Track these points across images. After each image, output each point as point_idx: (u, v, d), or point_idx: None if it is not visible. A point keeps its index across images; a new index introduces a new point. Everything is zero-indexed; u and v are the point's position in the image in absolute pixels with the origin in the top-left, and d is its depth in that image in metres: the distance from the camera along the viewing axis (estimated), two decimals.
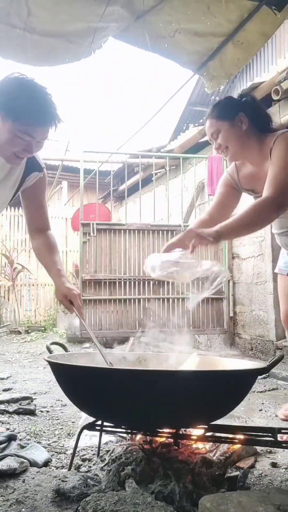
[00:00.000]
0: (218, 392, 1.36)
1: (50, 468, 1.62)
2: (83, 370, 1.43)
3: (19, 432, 2.04)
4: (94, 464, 1.62)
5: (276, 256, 2.59)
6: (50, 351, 1.69)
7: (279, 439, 1.40)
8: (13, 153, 1.47)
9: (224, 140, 1.84)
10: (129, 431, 1.61)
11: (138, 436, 1.62)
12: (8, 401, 2.54)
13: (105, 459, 1.58)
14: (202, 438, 1.46)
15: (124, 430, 1.60)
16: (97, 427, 1.60)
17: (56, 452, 1.82)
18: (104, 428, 1.60)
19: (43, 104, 1.42)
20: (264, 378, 3.43)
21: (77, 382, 1.43)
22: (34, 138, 1.46)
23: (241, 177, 2.01)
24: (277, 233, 2.14)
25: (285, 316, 2.35)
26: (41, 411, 2.48)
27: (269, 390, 3.11)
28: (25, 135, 1.43)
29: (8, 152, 1.47)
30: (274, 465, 1.65)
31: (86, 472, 1.54)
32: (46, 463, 1.66)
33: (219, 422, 1.54)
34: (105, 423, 1.61)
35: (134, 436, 1.65)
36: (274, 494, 1.16)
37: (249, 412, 2.53)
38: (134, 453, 1.48)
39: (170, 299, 4.62)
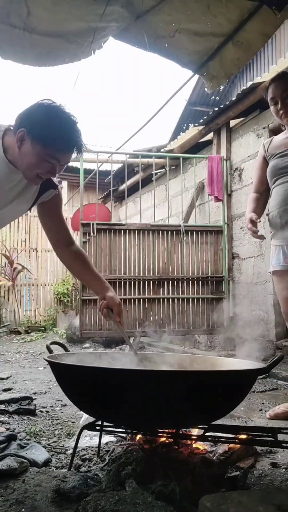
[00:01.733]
0: (218, 392, 1.36)
1: (50, 468, 1.62)
2: (83, 370, 1.43)
3: (19, 432, 2.04)
4: (94, 464, 1.62)
5: None
6: (50, 351, 1.69)
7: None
8: (36, 174, 1.55)
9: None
10: (129, 431, 1.61)
11: (138, 436, 1.62)
12: (8, 401, 2.53)
13: (105, 459, 1.58)
14: (202, 438, 1.46)
15: (124, 430, 1.60)
16: (97, 427, 1.60)
17: (56, 452, 1.82)
18: (104, 428, 1.60)
19: (72, 132, 1.52)
20: (264, 378, 3.43)
21: (77, 382, 1.43)
22: (59, 162, 1.55)
23: (271, 147, 2.41)
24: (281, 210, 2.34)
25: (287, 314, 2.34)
26: (41, 411, 2.48)
27: (269, 390, 3.11)
28: (53, 159, 1.52)
29: (32, 173, 1.55)
30: (274, 465, 1.65)
31: (86, 472, 1.53)
32: (46, 463, 1.65)
33: (219, 422, 1.54)
34: (105, 423, 1.61)
35: (134, 436, 1.65)
36: (274, 494, 1.16)
37: (249, 412, 2.53)
38: (134, 453, 1.48)
39: (170, 299, 4.62)
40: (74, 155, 1.57)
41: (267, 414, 2.40)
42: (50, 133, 1.48)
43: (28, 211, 1.95)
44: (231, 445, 1.57)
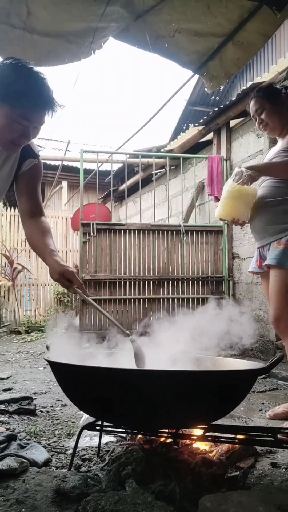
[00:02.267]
0: (218, 392, 1.36)
1: (50, 468, 1.62)
2: (83, 370, 1.43)
3: (19, 432, 2.04)
4: (94, 464, 1.62)
5: None
6: (50, 351, 1.69)
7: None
8: (10, 141, 1.48)
9: (266, 116, 2.24)
10: (129, 431, 1.61)
11: (138, 436, 1.62)
12: (8, 401, 2.53)
13: (105, 459, 1.58)
14: (202, 438, 1.46)
15: (124, 430, 1.60)
16: (97, 427, 1.60)
17: (56, 452, 1.82)
18: (104, 428, 1.60)
19: (40, 88, 1.43)
20: (264, 378, 3.43)
21: (77, 382, 1.43)
22: (31, 123, 1.46)
23: (267, 158, 2.42)
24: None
25: (273, 318, 2.32)
26: (41, 411, 2.48)
27: (269, 390, 3.11)
28: (23, 119, 1.43)
29: (5, 139, 1.47)
30: (274, 465, 1.65)
31: (86, 472, 1.53)
32: (46, 463, 1.65)
33: (219, 422, 1.54)
34: (105, 423, 1.61)
35: (134, 436, 1.65)
36: (274, 494, 1.16)
37: (249, 412, 2.53)
38: (134, 453, 1.48)
39: (170, 299, 4.62)
40: (47, 114, 1.47)
41: (267, 414, 2.40)
42: (15, 91, 1.39)
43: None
44: (231, 445, 1.57)
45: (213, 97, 10.28)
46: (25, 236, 1.85)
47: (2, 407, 2.44)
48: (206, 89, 2.89)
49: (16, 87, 1.40)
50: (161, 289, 4.64)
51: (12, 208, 8.48)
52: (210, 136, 5.28)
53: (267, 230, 2.29)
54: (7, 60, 1.45)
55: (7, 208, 8.39)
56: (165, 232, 4.70)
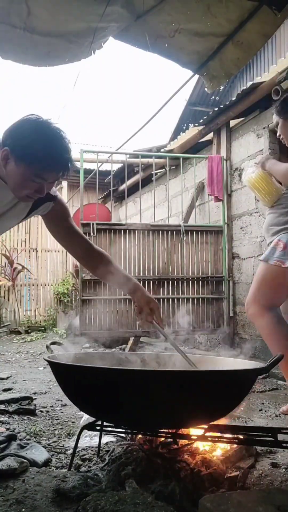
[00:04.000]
0: (218, 392, 1.36)
1: (50, 468, 1.62)
2: (83, 370, 1.43)
3: (19, 432, 2.04)
4: (94, 464, 1.62)
5: None
6: (50, 351, 1.69)
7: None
8: (25, 195, 1.49)
9: (280, 131, 2.40)
10: (129, 431, 1.61)
11: (138, 436, 1.62)
12: (8, 401, 2.53)
13: (105, 459, 1.58)
14: (202, 438, 1.46)
15: (124, 430, 1.60)
16: (97, 427, 1.60)
17: (56, 452, 1.82)
18: (104, 428, 1.60)
19: (58, 150, 1.43)
20: (264, 378, 3.43)
21: (77, 382, 1.43)
22: (46, 181, 1.47)
23: None
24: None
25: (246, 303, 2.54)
26: (41, 411, 2.48)
27: (269, 390, 3.11)
28: (38, 178, 1.44)
29: (20, 193, 1.49)
30: (274, 465, 1.65)
31: (86, 472, 1.53)
32: (46, 463, 1.65)
33: (219, 422, 1.54)
34: (105, 423, 1.61)
35: (134, 436, 1.65)
36: (274, 494, 1.16)
37: (249, 412, 2.53)
38: (134, 453, 1.48)
39: (170, 299, 4.62)
40: (61, 173, 1.49)
41: (280, 410, 2.50)
42: (33, 152, 1.39)
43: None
44: (231, 445, 1.57)
45: (213, 97, 10.28)
46: (92, 272, 1.92)
47: (2, 407, 2.44)
48: (206, 89, 2.88)
49: (35, 148, 1.39)
50: (161, 289, 4.64)
51: None
52: (210, 136, 5.27)
53: (269, 230, 2.50)
54: (28, 116, 1.45)
55: None
56: (165, 232, 4.70)
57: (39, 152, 1.40)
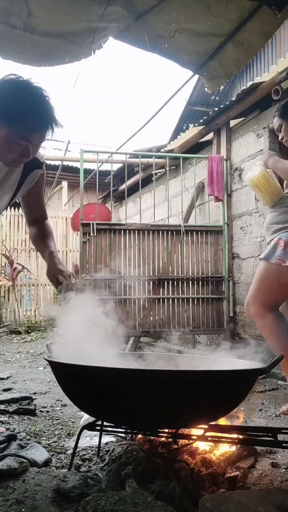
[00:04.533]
0: (218, 392, 1.36)
1: (50, 468, 1.62)
2: (83, 370, 1.43)
3: (19, 432, 2.04)
4: (94, 464, 1.62)
5: None
6: (50, 351, 1.69)
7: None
8: (11, 160, 1.45)
9: (284, 134, 2.40)
10: (129, 431, 1.61)
11: (138, 436, 1.62)
12: (8, 401, 2.54)
13: (105, 459, 1.58)
14: (202, 438, 1.46)
15: (124, 430, 1.60)
16: (97, 427, 1.60)
17: (56, 452, 1.82)
18: (104, 428, 1.60)
19: (39, 108, 1.38)
20: (264, 378, 3.43)
21: (77, 382, 1.43)
22: (31, 142, 1.42)
23: None
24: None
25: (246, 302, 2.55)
26: (41, 411, 2.48)
27: (269, 390, 3.11)
28: (22, 140, 1.39)
29: (6, 159, 1.45)
30: (274, 465, 1.65)
31: (86, 472, 1.53)
32: (46, 463, 1.65)
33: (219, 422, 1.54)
34: (105, 423, 1.61)
35: (134, 436, 1.65)
36: (274, 494, 1.16)
37: (249, 412, 2.53)
38: (134, 453, 1.48)
39: (170, 299, 4.62)
40: (48, 133, 1.44)
41: (280, 410, 2.49)
42: (14, 111, 1.34)
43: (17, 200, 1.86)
44: (231, 445, 1.57)
45: (213, 97, 10.28)
46: (29, 237, 1.95)
47: (2, 407, 2.44)
48: (206, 89, 2.88)
49: (15, 107, 1.35)
50: (161, 289, 4.63)
51: (12, 208, 8.48)
52: (210, 136, 5.28)
53: (269, 229, 2.50)
54: (8, 76, 1.39)
55: (7, 209, 8.38)
56: (165, 232, 4.70)
57: (21, 112, 1.35)
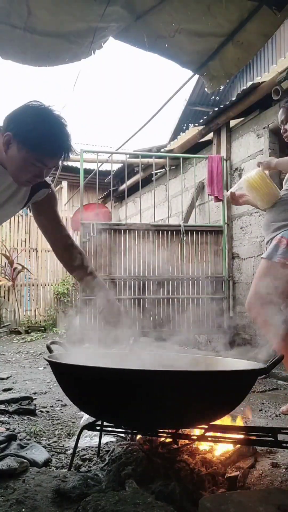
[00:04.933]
0: (218, 392, 1.36)
1: (50, 468, 1.62)
2: (83, 370, 1.43)
3: (19, 432, 2.04)
4: (94, 464, 1.62)
5: None
6: (50, 351, 1.69)
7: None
8: (25, 180, 1.53)
9: None
10: (129, 431, 1.61)
11: (138, 436, 1.62)
12: (8, 401, 2.53)
13: (105, 459, 1.58)
14: (202, 438, 1.46)
15: (124, 430, 1.60)
16: (97, 427, 1.60)
17: (56, 452, 1.82)
18: (104, 428, 1.60)
19: (59, 136, 1.47)
20: (264, 378, 3.43)
21: (77, 382, 1.43)
22: (46, 166, 1.51)
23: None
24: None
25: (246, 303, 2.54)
26: (41, 411, 2.48)
27: (269, 390, 3.11)
28: (39, 162, 1.48)
29: (20, 178, 1.53)
30: (274, 465, 1.65)
31: (86, 472, 1.53)
32: (46, 463, 1.65)
33: (219, 422, 1.54)
34: (105, 423, 1.61)
35: (134, 436, 1.65)
36: (274, 494, 1.16)
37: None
38: (135, 453, 1.48)
39: (170, 299, 4.62)
40: (61, 158, 1.53)
41: (280, 410, 2.49)
42: (36, 137, 1.44)
43: (28, 211, 1.90)
44: (231, 445, 1.57)
45: (213, 97, 10.27)
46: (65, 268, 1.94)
47: (2, 407, 2.44)
48: (206, 89, 2.88)
49: (37, 134, 1.44)
50: (161, 289, 4.64)
51: None
52: (210, 136, 5.28)
53: (270, 227, 2.50)
54: (31, 103, 1.49)
55: None
56: (165, 232, 4.70)
57: (42, 138, 1.44)
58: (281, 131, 2.51)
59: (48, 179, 1.73)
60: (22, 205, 1.73)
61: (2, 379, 3.44)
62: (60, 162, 1.55)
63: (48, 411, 2.50)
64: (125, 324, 1.78)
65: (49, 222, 1.83)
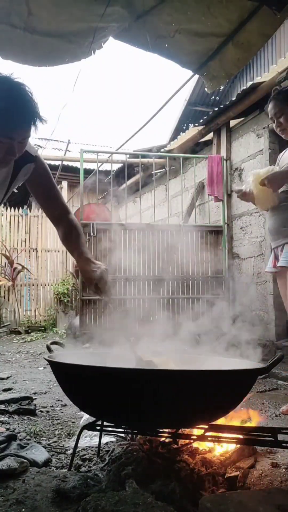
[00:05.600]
0: (218, 392, 1.36)
1: (50, 468, 1.62)
2: (83, 370, 1.43)
3: (19, 432, 2.04)
4: (94, 464, 1.62)
5: None
6: (50, 351, 1.69)
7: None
8: None
9: (285, 121, 2.33)
10: (129, 431, 1.61)
11: (138, 436, 1.62)
12: (8, 401, 2.53)
13: (105, 459, 1.58)
14: (202, 438, 1.46)
15: (124, 430, 1.60)
16: (97, 427, 1.60)
17: (56, 452, 1.82)
18: (104, 428, 1.60)
19: (21, 105, 1.34)
20: (264, 378, 3.43)
21: (77, 382, 1.43)
22: (14, 140, 1.39)
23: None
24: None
25: None
26: (41, 411, 2.48)
27: (269, 390, 3.11)
28: (4, 138, 1.36)
29: None
30: (274, 465, 1.65)
31: (86, 472, 1.53)
32: (46, 463, 1.65)
33: (219, 422, 1.54)
34: (105, 423, 1.61)
35: (134, 436, 1.65)
36: (274, 494, 1.16)
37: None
38: (135, 453, 1.48)
39: (170, 299, 4.62)
40: (32, 128, 1.39)
41: (280, 410, 2.48)
42: None
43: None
44: (231, 445, 1.57)
45: (213, 97, 10.27)
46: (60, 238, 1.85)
47: (2, 407, 2.44)
48: (206, 89, 2.88)
49: None
50: (161, 289, 4.64)
51: (12, 208, 8.48)
52: (210, 136, 5.28)
53: (281, 232, 2.39)
54: None
55: (7, 208, 8.39)
56: (165, 232, 4.70)
57: (1, 111, 1.31)
58: (275, 125, 2.44)
59: (34, 150, 1.60)
60: (5, 187, 1.61)
61: (2, 379, 3.44)
62: (31, 132, 1.40)
63: (48, 411, 2.50)
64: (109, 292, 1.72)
65: (44, 196, 1.72)
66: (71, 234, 1.76)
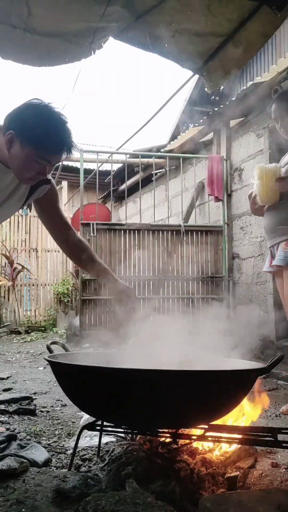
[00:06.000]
0: (218, 392, 1.36)
1: (50, 468, 1.62)
2: (83, 370, 1.43)
3: (19, 432, 2.04)
4: (94, 464, 1.62)
5: None
6: (50, 351, 1.69)
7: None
8: (28, 177, 1.55)
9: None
10: (129, 431, 1.61)
11: (138, 436, 1.62)
12: (8, 401, 2.53)
13: (105, 459, 1.58)
14: (202, 438, 1.46)
15: (124, 430, 1.60)
16: (97, 427, 1.60)
17: (56, 452, 1.82)
18: (104, 428, 1.60)
19: (61, 133, 1.49)
20: (264, 378, 3.43)
21: (77, 382, 1.43)
22: (49, 163, 1.53)
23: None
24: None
25: None
26: (41, 411, 2.48)
27: (269, 390, 3.11)
28: (42, 160, 1.50)
29: (23, 175, 1.54)
30: (274, 465, 1.65)
31: (86, 472, 1.54)
32: (46, 463, 1.65)
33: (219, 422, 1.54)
34: (105, 423, 1.61)
35: (134, 436, 1.65)
36: (274, 494, 1.16)
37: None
38: (135, 453, 1.48)
39: (170, 299, 4.62)
40: (64, 155, 1.55)
41: (280, 410, 2.48)
42: (38, 134, 1.46)
43: (28, 211, 1.93)
44: (231, 445, 1.57)
45: (213, 97, 10.27)
46: (71, 260, 1.99)
47: (2, 407, 2.44)
48: (206, 89, 2.88)
49: (39, 131, 1.45)
50: (161, 289, 4.64)
51: None
52: (210, 136, 5.28)
53: (276, 231, 2.39)
54: (31, 101, 1.51)
55: None
56: (165, 232, 4.71)
57: (45, 135, 1.46)
58: (277, 127, 2.46)
59: (48, 175, 1.73)
60: (21, 203, 1.74)
61: (2, 379, 3.44)
62: (62, 158, 1.56)
63: (48, 411, 2.50)
64: (137, 308, 1.81)
65: (52, 219, 1.84)
66: (85, 251, 1.86)
